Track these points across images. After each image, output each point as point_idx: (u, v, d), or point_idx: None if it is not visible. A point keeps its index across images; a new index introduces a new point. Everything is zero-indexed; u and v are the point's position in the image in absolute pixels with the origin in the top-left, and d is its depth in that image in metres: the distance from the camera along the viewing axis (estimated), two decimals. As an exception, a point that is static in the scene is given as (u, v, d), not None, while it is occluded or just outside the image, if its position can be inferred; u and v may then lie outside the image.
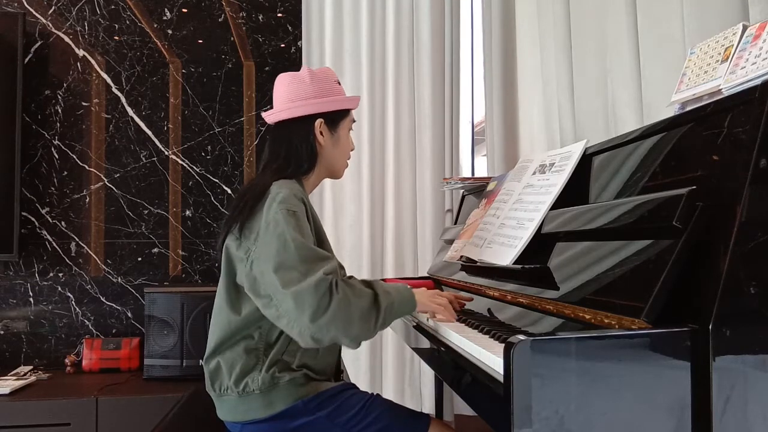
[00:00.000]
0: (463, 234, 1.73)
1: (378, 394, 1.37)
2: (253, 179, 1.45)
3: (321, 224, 1.40)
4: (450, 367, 1.26)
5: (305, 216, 1.27)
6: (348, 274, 1.73)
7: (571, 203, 1.23)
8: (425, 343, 1.44)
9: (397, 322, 1.60)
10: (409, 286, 1.33)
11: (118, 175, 2.77)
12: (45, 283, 2.71)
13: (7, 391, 2.26)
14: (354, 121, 1.52)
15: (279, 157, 1.41)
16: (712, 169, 0.91)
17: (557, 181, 1.31)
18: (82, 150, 2.75)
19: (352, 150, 1.52)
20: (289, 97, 1.41)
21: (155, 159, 2.80)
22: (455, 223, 2.24)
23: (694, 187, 0.89)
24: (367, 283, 1.26)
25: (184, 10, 2.83)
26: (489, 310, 1.41)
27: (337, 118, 1.45)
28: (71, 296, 2.72)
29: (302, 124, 1.41)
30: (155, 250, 2.79)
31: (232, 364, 1.29)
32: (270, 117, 1.45)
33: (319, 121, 1.41)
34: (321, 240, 1.34)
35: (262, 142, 2.86)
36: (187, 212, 2.81)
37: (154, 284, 2.74)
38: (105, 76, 2.78)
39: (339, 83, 1.47)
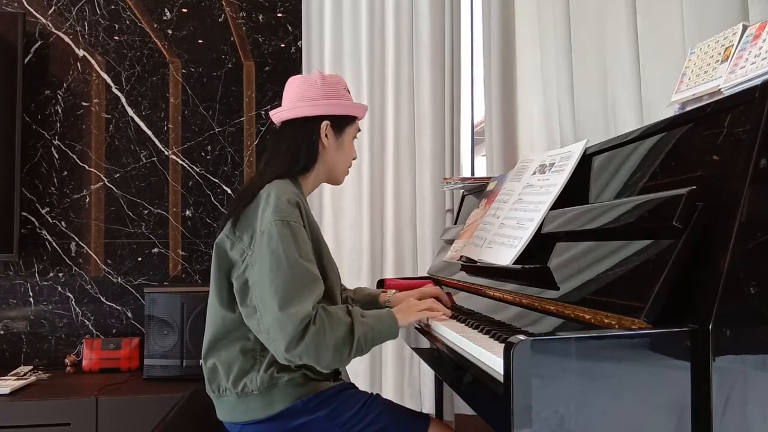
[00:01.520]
0: (463, 234, 1.73)
1: (377, 394, 1.37)
2: (252, 178, 1.46)
3: (317, 225, 1.40)
4: (450, 367, 1.26)
5: (301, 220, 1.27)
6: (343, 285, 1.73)
7: (571, 203, 1.23)
8: (425, 343, 1.44)
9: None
10: (392, 311, 1.33)
11: (118, 175, 2.77)
12: (45, 283, 2.71)
13: (7, 391, 2.26)
14: (359, 130, 1.52)
15: (280, 154, 1.41)
16: (712, 169, 0.91)
17: (557, 181, 1.31)
18: (82, 150, 2.75)
19: (354, 159, 1.52)
20: (298, 97, 1.42)
21: (155, 159, 2.80)
22: (455, 223, 2.24)
23: (694, 187, 0.89)
24: (348, 311, 1.27)
25: (184, 10, 2.83)
26: (489, 310, 1.41)
27: (343, 123, 1.45)
28: (71, 296, 2.72)
29: (308, 124, 1.42)
30: (155, 250, 2.79)
31: (230, 366, 1.29)
32: (277, 115, 1.45)
33: (325, 123, 1.42)
34: (317, 241, 1.34)
35: (262, 142, 2.86)
36: (187, 212, 2.81)
37: (154, 284, 2.74)
38: (105, 76, 2.78)
39: (348, 91, 1.48)
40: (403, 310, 1.36)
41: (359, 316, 1.26)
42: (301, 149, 1.41)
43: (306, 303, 1.18)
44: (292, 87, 1.45)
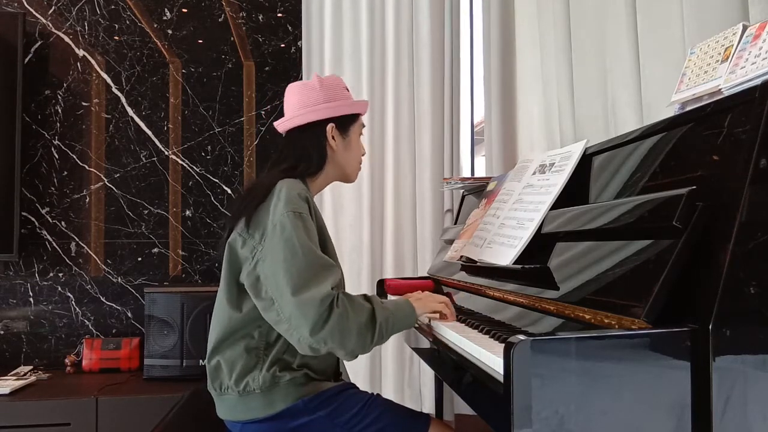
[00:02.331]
0: (463, 234, 1.73)
1: (378, 394, 1.37)
2: (260, 177, 1.47)
3: (324, 222, 1.40)
4: (450, 367, 1.26)
5: (310, 216, 1.28)
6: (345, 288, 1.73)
7: (571, 203, 1.23)
8: (425, 343, 1.44)
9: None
10: (409, 300, 1.34)
11: (118, 175, 2.77)
12: (45, 283, 2.71)
13: (7, 391, 2.26)
14: (364, 126, 1.54)
15: (288, 159, 1.43)
16: (712, 169, 0.91)
17: (557, 181, 1.31)
18: (82, 150, 2.75)
19: (363, 155, 1.54)
20: (300, 105, 1.44)
21: (155, 159, 2.80)
22: (455, 223, 2.24)
23: (694, 187, 0.89)
24: (367, 298, 1.27)
25: (184, 10, 2.83)
26: (489, 310, 1.41)
27: (347, 122, 1.47)
28: (71, 296, 2.72)
29: (314, 129, 1.43)
30: (155, 250, 2.79)
31: (233, 364, 1.29)
32: (282, 125, 1.47)
33: (330, 126, 1.43)
34: (323, 239, 1.34)
35: (262, 142, 2.86)
36: (187, 212, 2.81)
37: (154, 284, 2.74)
38: (105, 76, 2.78)
39: (348, 89, 1.50)
40: (421, 299, 1.36)
41: (379, 303, 1.26)
42: (312, 155, 1.43)
43: (324, 285, 1.18)
44: (292, 95, 1.46)
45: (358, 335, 1.19)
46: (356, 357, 1.26)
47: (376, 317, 1.22)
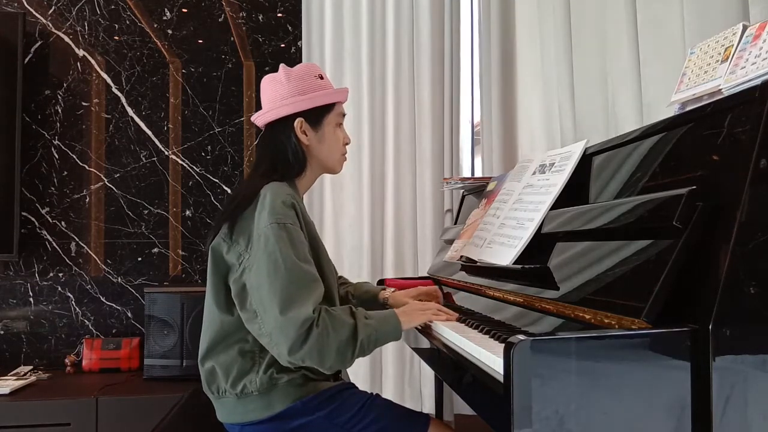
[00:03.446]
0: (463, 234, 1.73)
1: (377, 394, 1.36)
2: (244, 181, 1.45)
3: (313, 225, 1.39)
4: (450, 367, 1.26)
5: (297, 222, 1.26)
6: (343, 278, 1.72)
7: (571, 203, 1.23)
8: (425, 343, 1.44)
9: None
10: (396, 314, 1.31)
11: (118, 175, 2.77)
12: (45, 283, 2.71)
13: (7, 391, 2.26)
14: (344, 114, 1.47)
15: (265, 160, 1.40)
16: (712, 169, 0.91)
17: (557, 181, 1.31)
18: (82, 150, 2.75)
19: (347, 144, 1.48)
20: (270, 99, 1.41)
21: (155, 159, 2.80)
22: (455, 223, 2.24)
23: (694, 187, 0.89)
24: (351, 312, 1.25)
25: (184, 10, 2.83)
26: (489, 310, 1.41)
27: (319, 114, 1.41)
28: (71, 296, 2.72)
29: (283, 126, 1.39)
30: (155, 250, 2.79)
31: (228, 367, 1.29)
32: (257, 121, 1.45)
33: (299, 121, 1.38)
34: (312, 239, 1.33)
35: (262, 142, 2.86)
36: (187, 212, 2.81)
37: (154, 284, 2.74)
38: (105, 76, 2.78)
39: (322, 77, 1.43)
40: (407, 313, 1.34)
41: (363, 318, 1.24)
42: (286, 153, 1.39)
43: (306, 305, 1.17)
44: (265, 89, 1.43)
45: (337, 353, 1.18)
46: (335, 371, 1.26)
47: (357, 334, 1.20)
